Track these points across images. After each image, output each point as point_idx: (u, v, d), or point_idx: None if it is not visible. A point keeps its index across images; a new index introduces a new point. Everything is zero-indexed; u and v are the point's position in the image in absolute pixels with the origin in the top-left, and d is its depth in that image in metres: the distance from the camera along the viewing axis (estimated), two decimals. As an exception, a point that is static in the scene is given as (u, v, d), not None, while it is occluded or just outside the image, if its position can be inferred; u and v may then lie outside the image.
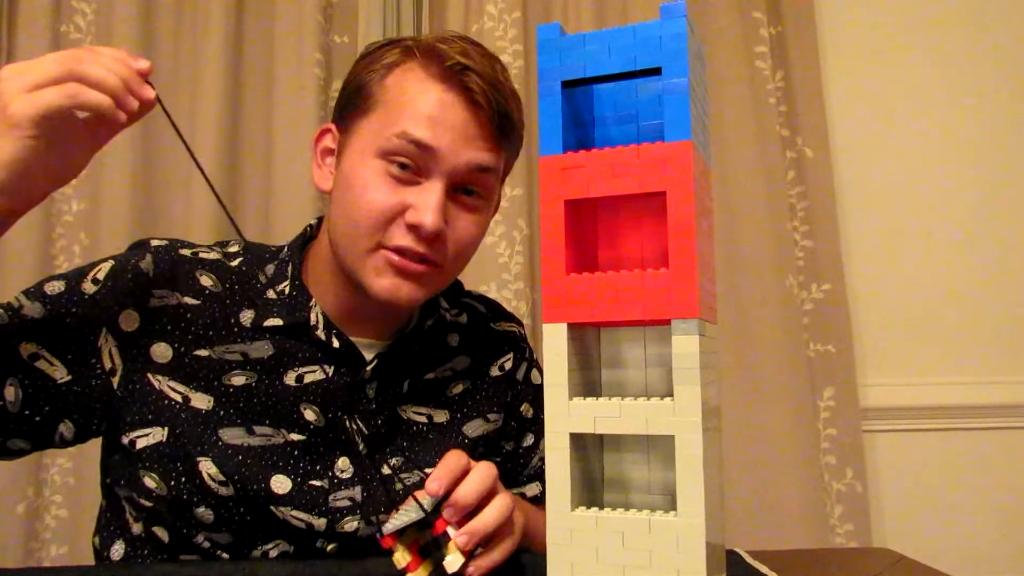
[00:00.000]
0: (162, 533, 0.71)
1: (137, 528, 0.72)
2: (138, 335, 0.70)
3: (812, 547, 1.33)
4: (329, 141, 0.78)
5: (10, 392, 0.65)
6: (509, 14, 1.44)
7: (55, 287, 0.70)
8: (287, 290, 0.75)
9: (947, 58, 1.59)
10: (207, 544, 0.70)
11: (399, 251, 0.70)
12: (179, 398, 0.70)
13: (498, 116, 0.72)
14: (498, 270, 1.39)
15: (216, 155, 1.35)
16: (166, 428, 0.69)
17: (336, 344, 0.74)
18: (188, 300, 0.72)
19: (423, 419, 0.78)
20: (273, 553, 0.71)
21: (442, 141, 0.69)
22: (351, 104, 0.75)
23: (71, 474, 1.32)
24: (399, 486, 0.75)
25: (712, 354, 0.46)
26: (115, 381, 0.69)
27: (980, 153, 1.57)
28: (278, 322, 0.73)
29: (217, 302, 0.73)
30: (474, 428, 0.82)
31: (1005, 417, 1.51)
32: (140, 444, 0.69)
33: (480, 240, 0.78)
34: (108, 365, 0.69)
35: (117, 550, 0.74)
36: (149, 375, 0.69)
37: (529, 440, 0.89)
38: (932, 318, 1.54)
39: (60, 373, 0.67)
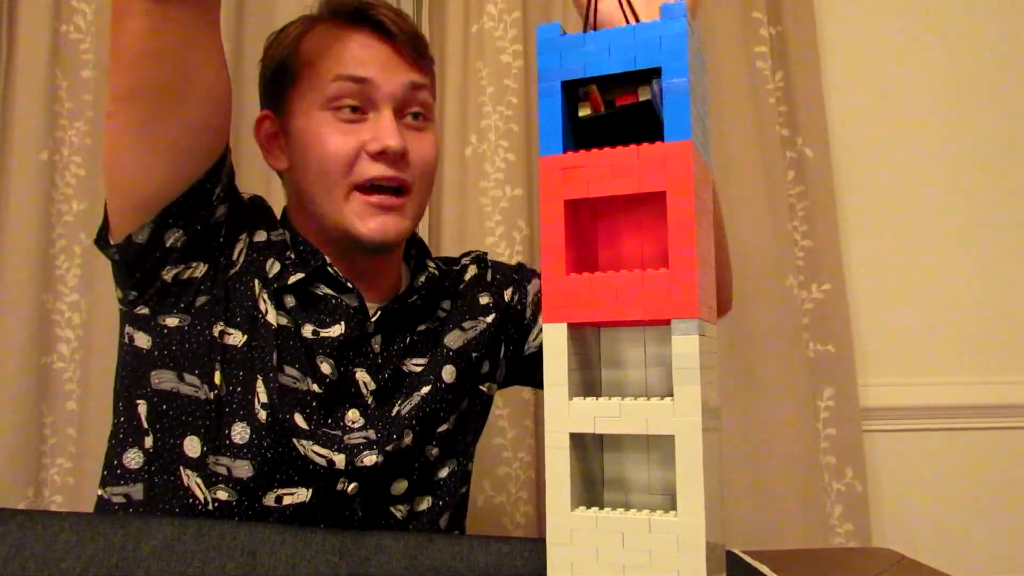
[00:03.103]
0: (192, 447, 0.72)
1: (149, 441, 0.74)
2: (264, 247, 0.78)
3: (812, 547, 1.33)
4: (269, 127, 0.83)
5: (238, 336, 0.74)
6: (509, 14, 1.44)
7: None
8: (292, 255, 0.80)
9: (947, 58, 1.59)
10: (222, 470, 0.71)
11: (373, 185, 0.75)
12: (263, 308, 0.75)
13: (412, 38, 0.80)
14: (498, 270, 1.39)
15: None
16: (246, 336, 0.74)
17: (349, 285, 0.78)
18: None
19: (420, 368, 0.83)
20: (287, 500, 0.72)
21: (373, 72, 0.76)
22: (276, 84, 0.81)
23: (71, 474, 1.32)
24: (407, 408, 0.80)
25: (712, 354, 0.46)
26: (231, 273, 0.76)
27: (981, 153, 1.57)
28: (299, 276, 0.77)
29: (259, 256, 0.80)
30: (454, 340, 0.85)
31: (1005, 417, 1.51)
32: (227, 341, 0.73)
33: (436, 161, 0.83)
34: (234, 257, 0.76)
35: (133, 458, 0.75)
36: (256, 281, 0.76)
37: (509, 293, 0.92)
38: (932, 318, 1.54)
39: (220, 213, 0.75)
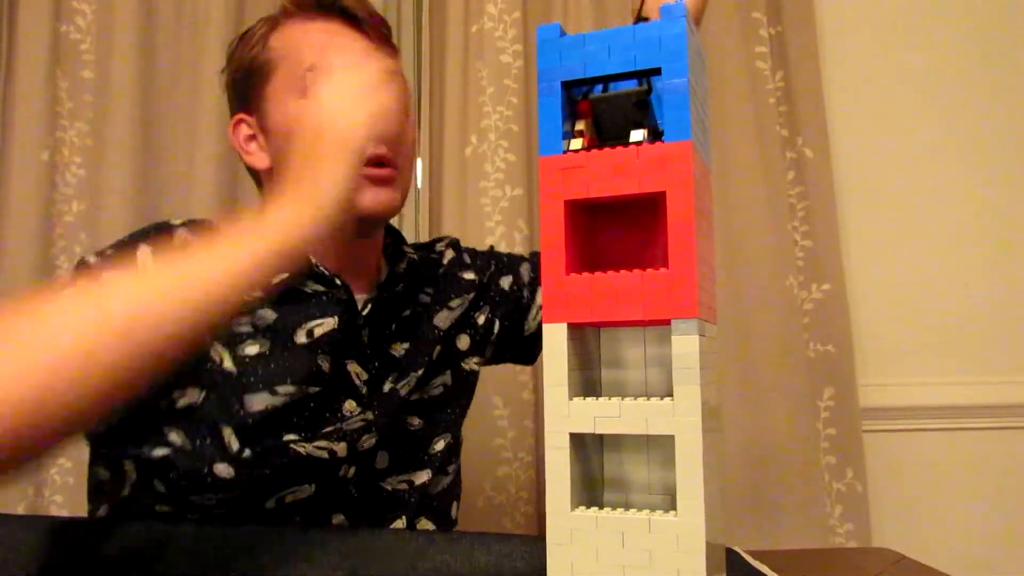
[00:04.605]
0: (161, 487, 0.70)
1: (126, 491, 0.72)
2: None
3: (812, 547, 1.33)
4: (246, 129, 0.82)
5: (193, 393, 0.68)
6: (509, 14, 1.44)
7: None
8: None
9: (947, 58, 1.59)
10: (209, 501, 0.70)
11: (366, 163, 0.74)
12: (216, 358, 0.72)
13: (380, 24, 0.80)
14: (498, 270, 1.39)
15: (216, 153, 1.36)
16: (203, 390, 0.70)
17: (338, 282, 0.78)
18: None
19: (408, 351, 0.83)
20: (290, 499, 0.72)
21: (348, 59, 0.76)
22: (249, 85, 0.80)
23: (71, 474, 1.32)
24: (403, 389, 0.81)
25: (712, 354, 0.46)
26: None
27: (980, 153, 1.57)
28: (282, 275, 0.74)
29: None
30: (442, 319, 0.87)
31: (1005, 417, 1.51)
32: (180, 403, 0.70)
33: (415, 141, 0.85)
34: None
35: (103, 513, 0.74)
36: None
37: (506, 282, 0.95)
38: (932, 318, 1.54)
39: None
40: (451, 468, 0.88)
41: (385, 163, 0.78)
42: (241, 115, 0.82)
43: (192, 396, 0.70)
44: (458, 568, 0.57)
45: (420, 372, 0.82)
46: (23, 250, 1.33)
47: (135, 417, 0.68)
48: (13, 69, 1.37)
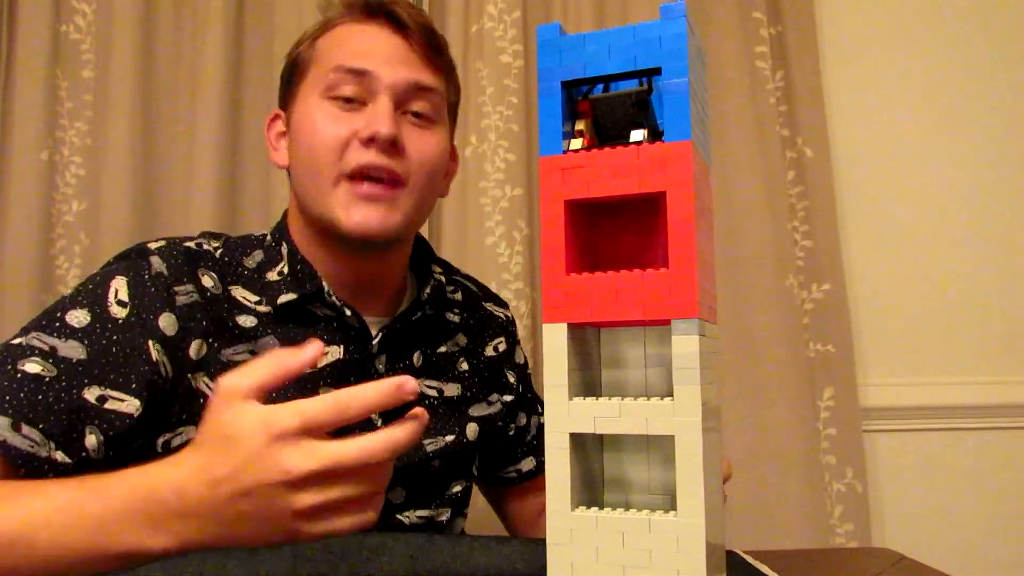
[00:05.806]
0: None
1: None
2: (179, 337, 0.68)
3: (812, 547, 1.33)
4: (280, 126, 0.81)
5: (91, 440, 0.62)
6: (509, 14, 1.44)
7: (80, 318, 0.65)
8: (285, 269, 0.75)
9: (947, 57, 1.59)
10: None
11: (362, 173, 0.71)
12: (210, 393, 0.69)
13: (427, 33, 0.77)
14: (498, 270, 1.39)
15: (217, 153, 1.35)
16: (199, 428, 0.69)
17: (348, 312, 0.74)
18: (201, 295, 0.71)
19: (434, 393, 0.81)
20: None
21: (375, 64, 0.73)
22: (289, 81, 0.79)
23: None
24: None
25: (712, 354, 0.46)
26: (169, 385, 0.68)
27: (980, 153, 1.57)
28: (291, 296, 0.73)
29: (217, 303, 0.72)
30: (479, 411, 0.85)
31: (1005, 417, 1.51)
32: (175, 443, 0.68)
33: (443, 160, 0.78)
34: (165, 373, 0.67)
35: None
36: (189, 374, 0.69)
37: (522, 420, 0.93)
38: (932, 318, 1.54)
39: (132, 406, 0.64)
40: (467, 511, 0.87)
41: (394, 181, 0.72)
42: (278, 111, 0.81)
43: (189, 434, 0.68)
44: (458, 569, 0.57)
45: (450, 439, 0.80)
46: (23, 250, 1.33)
47: (130, 460, 0.66)
48: (13, 69, 1.37)
